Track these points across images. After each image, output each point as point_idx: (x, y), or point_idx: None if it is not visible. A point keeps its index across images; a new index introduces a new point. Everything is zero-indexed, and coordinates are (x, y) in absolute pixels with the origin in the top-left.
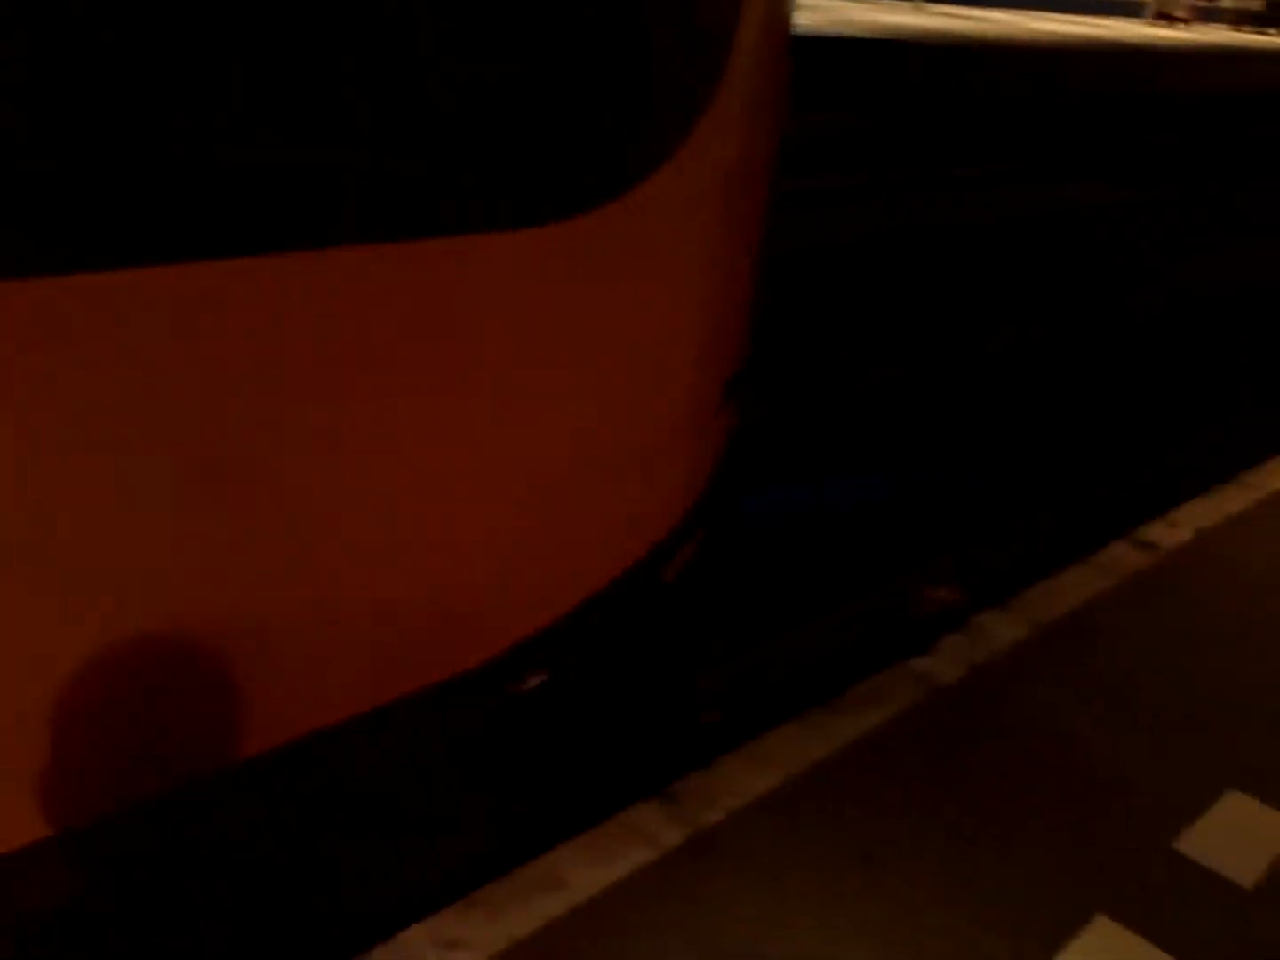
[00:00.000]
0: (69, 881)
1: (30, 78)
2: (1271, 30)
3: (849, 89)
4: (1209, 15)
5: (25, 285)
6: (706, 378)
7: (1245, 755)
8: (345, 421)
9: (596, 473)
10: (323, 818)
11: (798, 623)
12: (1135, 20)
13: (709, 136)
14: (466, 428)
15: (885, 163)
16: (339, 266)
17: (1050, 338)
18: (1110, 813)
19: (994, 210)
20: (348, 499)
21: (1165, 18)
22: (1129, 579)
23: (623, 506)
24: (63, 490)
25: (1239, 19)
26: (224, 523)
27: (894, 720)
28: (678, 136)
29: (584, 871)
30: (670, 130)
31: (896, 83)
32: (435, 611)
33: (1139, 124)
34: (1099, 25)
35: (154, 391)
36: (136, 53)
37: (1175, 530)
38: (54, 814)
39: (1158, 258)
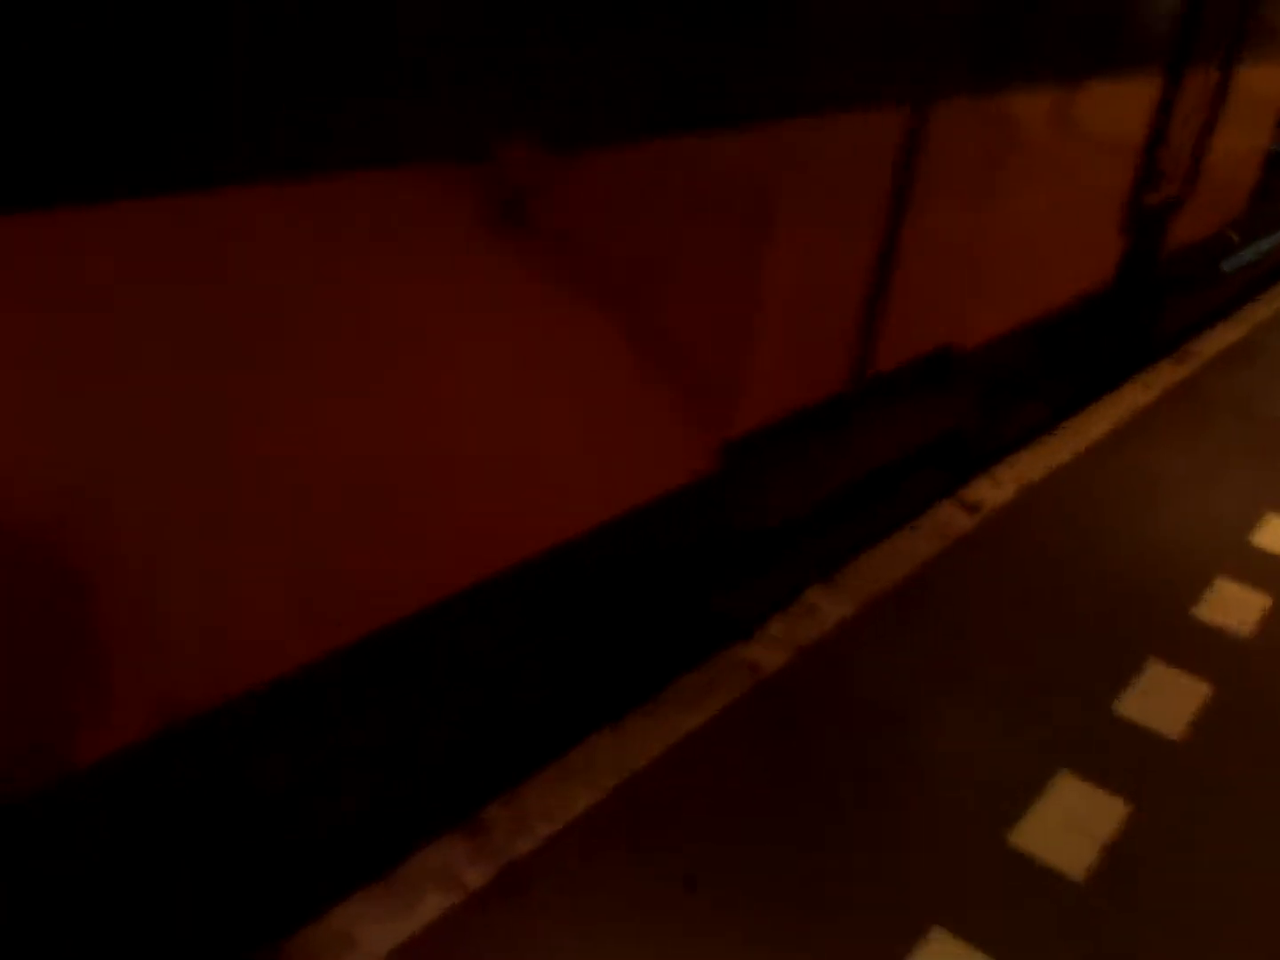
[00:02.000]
0: None
1: None
2: None
3: None
4: None
5: None
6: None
7: (1073, 731)
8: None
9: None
10: None
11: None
12: None
13: None
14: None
15: None
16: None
17: None
18: (944, 805)
19: None
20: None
21: None
22: (955, 542)
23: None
24: None
25: None
26: None
27: (716, 719)
28: None
29: (376, 928)
30: None
31: None
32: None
33: None
34: None
35: None
36: None
37: (999, 489)
38: None
39: None
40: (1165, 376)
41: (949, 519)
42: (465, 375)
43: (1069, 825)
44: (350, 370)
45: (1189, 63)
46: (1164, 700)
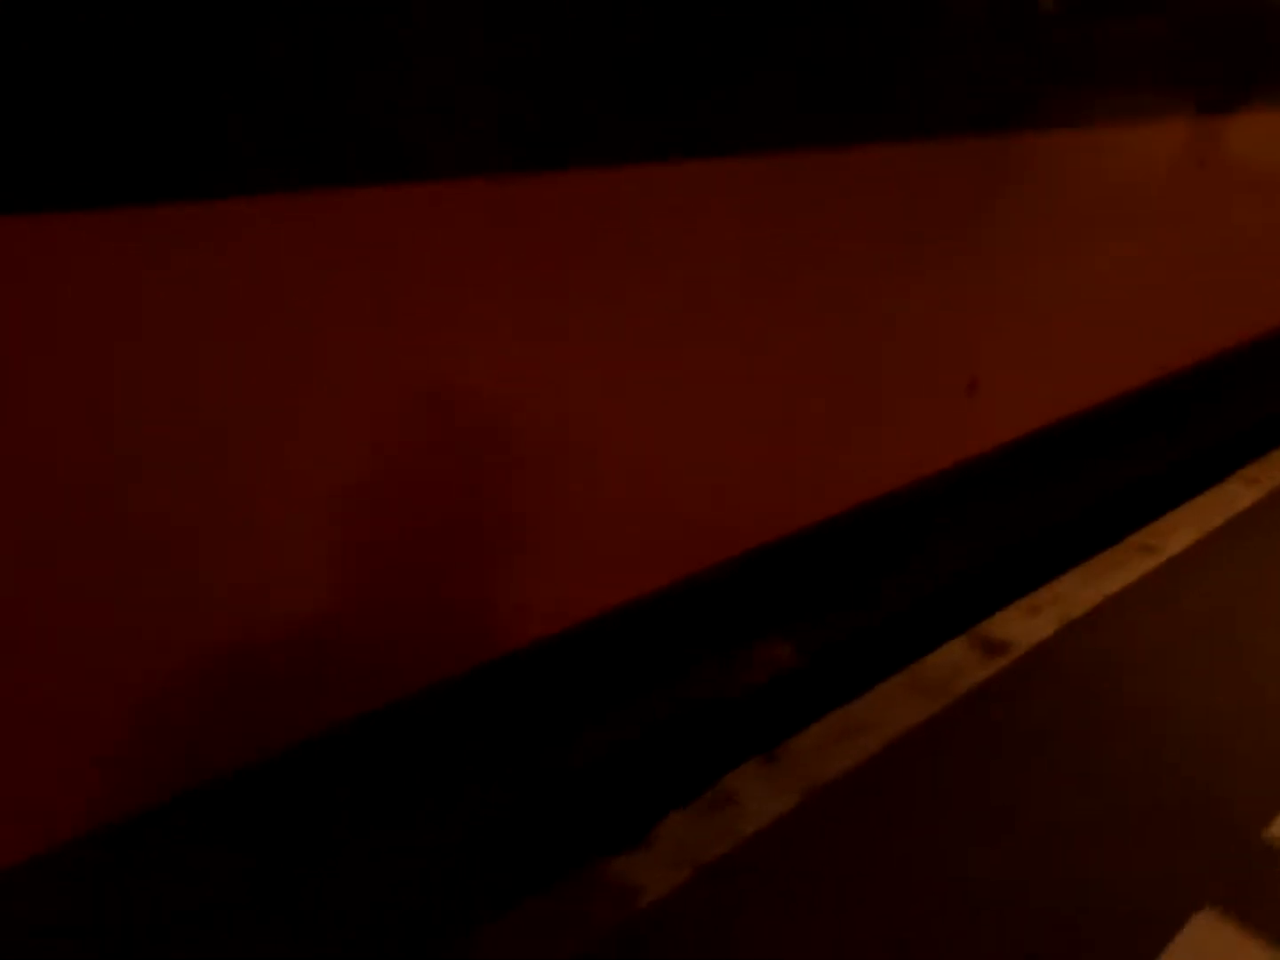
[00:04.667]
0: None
1: None
2: None
3: None
4: None
5: None
6: None
7: None
8: None
9: None
10: None
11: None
12: None
13: None
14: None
15: None
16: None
17: None
18: None
19: None
20: None
21: None
22: (960, 700)
23: None
24: None
25: None
26: None
27: None
28: None
29: None
30: None
31: None
32: None
33: None
34: None
35: None
36: None
37: (1036, 620)
38: None
39: None
40: (1276, 469)
41: (958, 663)
42: None
43: None
44: None
45: None
46: None
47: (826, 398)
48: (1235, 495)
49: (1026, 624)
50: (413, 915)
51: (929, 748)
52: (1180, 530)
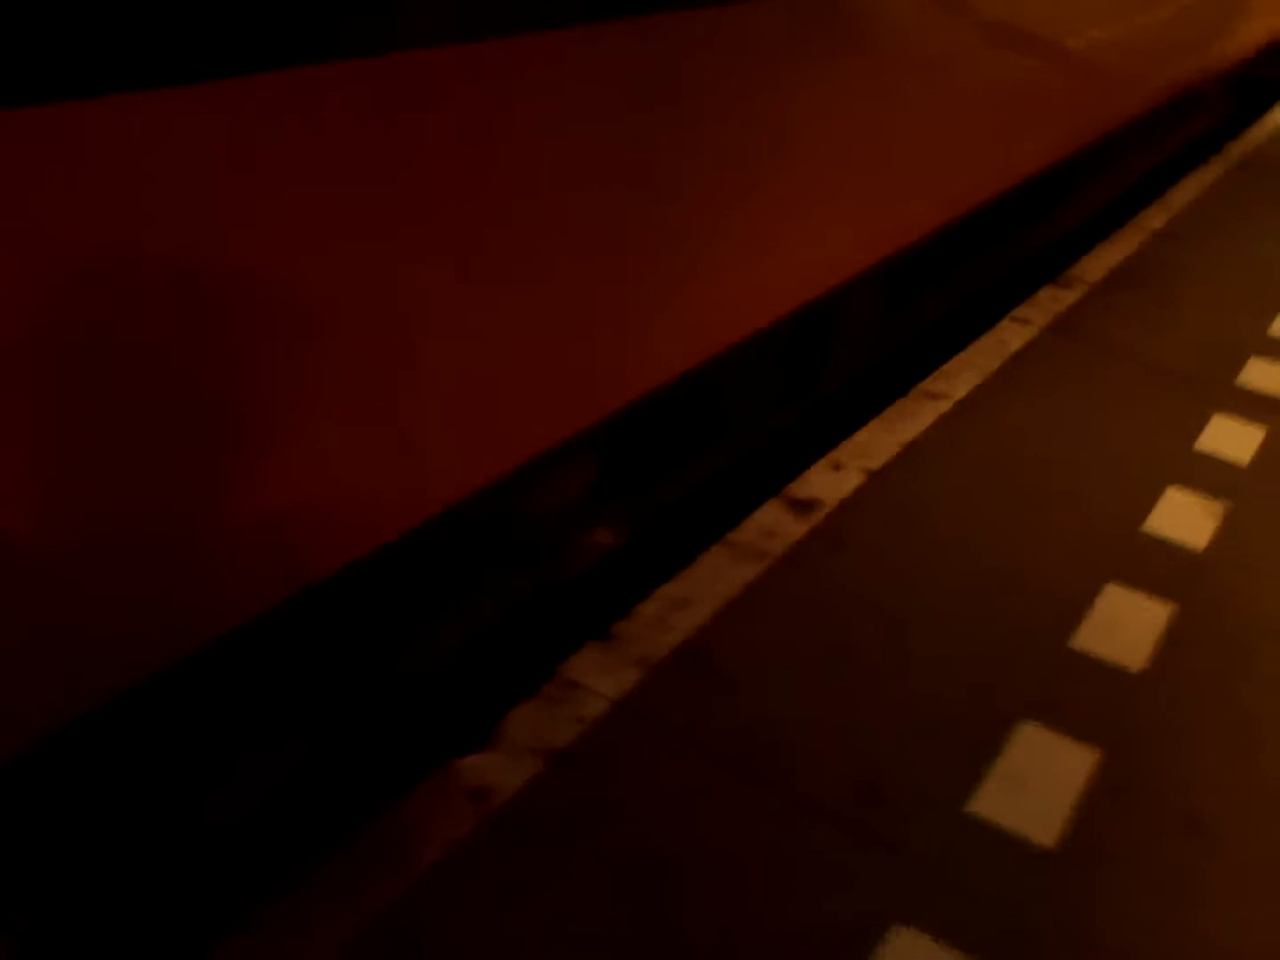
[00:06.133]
0: None
1: None
2: None
3: None
4: None
5: None
6: None
7: (921, 848)
8: None
9: None
10: None
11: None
12: None
13: None
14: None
15: None
16: None
17: None
18: None
19: None
20: None
21: None
22: (779, 561)
23: None
24: None
25: None
26: None
27: (409, 895)
28: None
29: None
30: None
31: None
32: None
33: None
34: None
35: None
36: None
37: (840, 474)
38: None
39: None
40: (1042, 309)
41: (773, 525)
42: None
43: None
44: None
45: None
46: (1040, 790)
47: (624, 276)
48: (1009, 337)
49: (832, 480)
50: (260, 847)
51: (757, 610)
52: (963, 375)
